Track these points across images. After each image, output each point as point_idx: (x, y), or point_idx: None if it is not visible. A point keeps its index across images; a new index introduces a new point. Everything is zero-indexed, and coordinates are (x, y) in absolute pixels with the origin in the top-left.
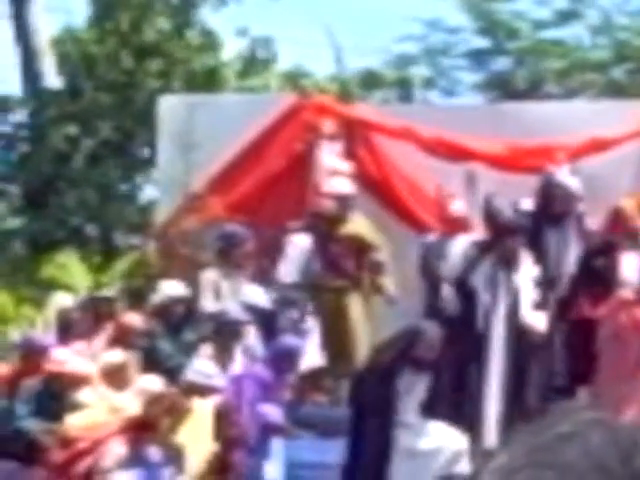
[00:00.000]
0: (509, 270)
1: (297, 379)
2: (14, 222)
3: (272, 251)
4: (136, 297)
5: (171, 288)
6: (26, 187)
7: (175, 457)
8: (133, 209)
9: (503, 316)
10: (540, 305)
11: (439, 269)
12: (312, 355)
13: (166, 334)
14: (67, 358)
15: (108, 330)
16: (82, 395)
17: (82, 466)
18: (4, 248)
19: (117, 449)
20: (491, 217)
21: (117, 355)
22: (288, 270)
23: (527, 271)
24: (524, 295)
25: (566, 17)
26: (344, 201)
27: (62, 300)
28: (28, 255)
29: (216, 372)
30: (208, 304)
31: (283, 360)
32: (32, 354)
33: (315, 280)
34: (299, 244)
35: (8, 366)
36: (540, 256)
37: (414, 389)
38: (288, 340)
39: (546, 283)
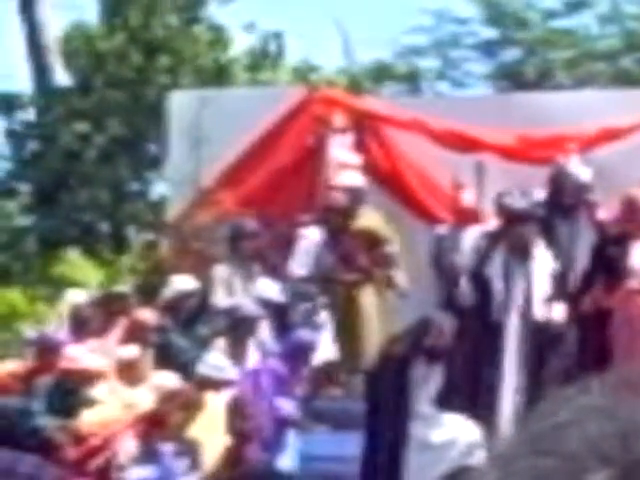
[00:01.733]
0: (523, 259)
1: (311, 373)
2: (25, 220)
3: (284, 245)
4: (149, 293)
5: (182, 283)
6: (37, 185)
7: (189, 452)
8: (145, 206)
9: (518, 306)
10: (554, 296)
11: (453, 260)
12: (325, 349)
13: (179, 329)
14: (81, 355)
15: (121, 326)
16: (96, 391)
17: (96, 463)
18: (16, 246)
19: (130, 445)
20: (503, 206)
21: (131, 351)
22: (300, 264)
23: (542, 261)
24: (539, 285)
25: (575, 6)
26: (355, 194)
27: (75, 297)
28: (40, 253)
29: (229, 365)
30: (221, 299)
31: (298, 354)
32: (46, 351)
33: (327, 274)
34: (310, 237)
35: (23, 363)
36: (552, 247)
37: (428, 380)
38: (302, 334)
39: (559, 274)
